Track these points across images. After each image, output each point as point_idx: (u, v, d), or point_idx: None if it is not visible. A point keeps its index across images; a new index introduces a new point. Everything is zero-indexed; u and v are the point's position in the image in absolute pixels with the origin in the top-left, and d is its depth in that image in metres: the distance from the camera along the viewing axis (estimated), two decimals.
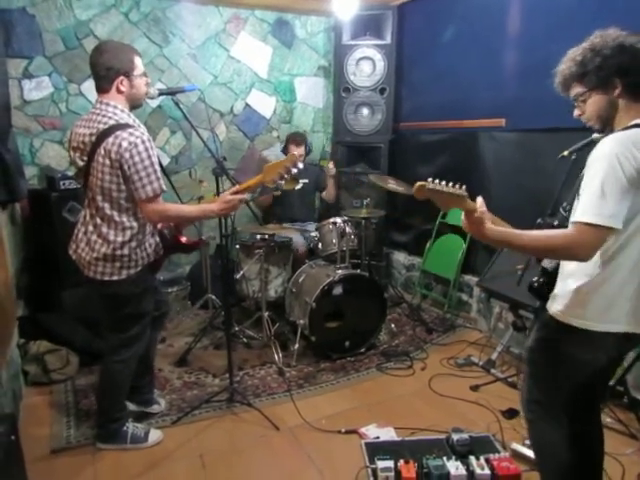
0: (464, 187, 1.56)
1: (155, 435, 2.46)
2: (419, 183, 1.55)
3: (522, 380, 1.78)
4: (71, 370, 3.02)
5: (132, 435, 2.40)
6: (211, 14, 4.25)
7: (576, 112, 1.57)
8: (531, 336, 1.74)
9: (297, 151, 4.00)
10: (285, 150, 4.13)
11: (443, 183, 1.55)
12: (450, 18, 3.91)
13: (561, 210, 1.66)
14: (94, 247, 2.11)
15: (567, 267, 1.58)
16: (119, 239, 2.10)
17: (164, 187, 2.07)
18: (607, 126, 1.52)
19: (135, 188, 2.01)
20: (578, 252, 1.36)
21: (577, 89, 1.52)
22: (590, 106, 1.51)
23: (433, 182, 1.55)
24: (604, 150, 1.37)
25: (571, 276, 1.54)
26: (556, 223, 1.68)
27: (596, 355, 1.53)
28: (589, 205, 1.34)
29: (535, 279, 1.74)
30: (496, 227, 1.51)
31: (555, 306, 1.58)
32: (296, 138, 4.12)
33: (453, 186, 1.56)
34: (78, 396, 2.83)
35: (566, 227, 1.46)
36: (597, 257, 1.43)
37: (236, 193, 2.16)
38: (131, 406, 2.57)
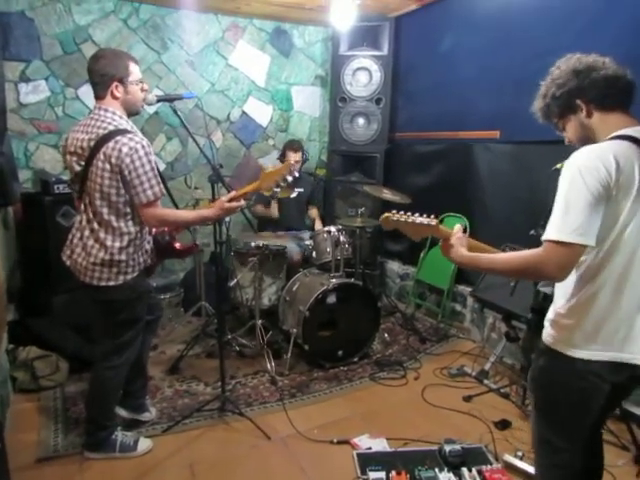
0: (432, 216, 1.62)
1: (145, 444, 2.43)
2: (384, 215, 1.66)
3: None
4: (61, 377, 2.98)
5: (121, 444, 2.36)
6: (210, 22, 4.27)
7: (566, 140, 1.58)
8: (532, 364, 1.63)
9: (294, 157, 4.03)
10: (282, 157, 4.13)
11: (409, 214, 1.62)
12: (446, 31, 3.95)
13: (539, 229, 1.66)
14: (91, 252, 2.10)
15: (556, 290, 1.51)
16: (117, 244, 2.09)
17: (164, 192, 2.09)
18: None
19: (136, 193, 2.01)
20: (547, 271, 1.31)
21: (553, 120, 1.55)
22: (568, 132, 1.53)
23: (398, 213, 1.64)
24: (570, 164, 1.33)
25: (558, 298, 1.48)
26: (531, 232, 1.68)
27: (592, 383, 1.40)
28: (554, 222, 1.31)
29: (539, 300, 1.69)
30: (467, 252, 1.55)
31: (545, 332, 1.51)
32: (293, 145, 4.13)
33: (421, 215, 1.62)
34: (67, 403, 2.79)
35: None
36: (578, 277, 1.39)
37: (232, 199, 2.16)
38: (123, 412, 2.55)
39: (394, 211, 1.66)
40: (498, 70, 3.49)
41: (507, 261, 1.41)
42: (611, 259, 1.35)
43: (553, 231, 1.30)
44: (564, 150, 2.07)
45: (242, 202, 2.20)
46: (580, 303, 1.40)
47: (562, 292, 1.46)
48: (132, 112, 2.18)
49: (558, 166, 2.30)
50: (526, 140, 3.30)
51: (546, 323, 1.52)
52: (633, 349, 1.37)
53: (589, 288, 1.38)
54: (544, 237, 1.32)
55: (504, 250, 3.12)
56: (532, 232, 2.70)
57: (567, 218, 1.28)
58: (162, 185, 2.08)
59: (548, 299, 1.61)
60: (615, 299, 1.37)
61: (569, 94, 1.45)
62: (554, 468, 1.55)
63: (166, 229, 2.39)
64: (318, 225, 4.31)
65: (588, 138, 1.46)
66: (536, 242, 1.65)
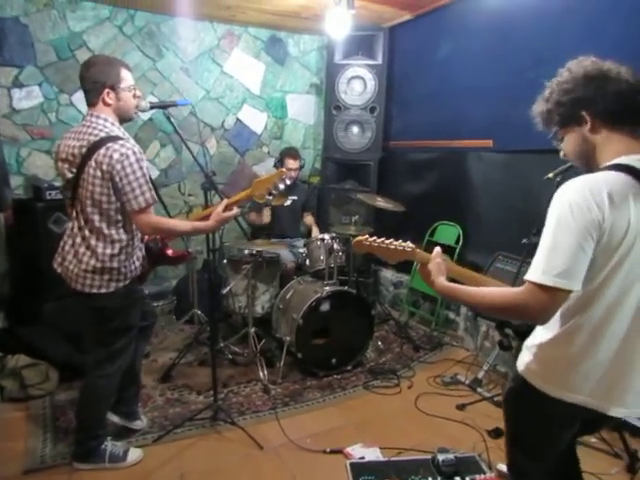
0: (408, 242, 1.57)
1: (135, 454, 2.40)
2: (357, 238, 1.60)
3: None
4: (50, 385, 2.94)
5: (111, 454, 2.33)
6: (205, 30, 4.28)
7: (561, 154, 1.45)
8: (507, 385, 1.60)
9: (294, 164, 4.06)
10: (280, 164, 4.13)
11: (383, 239, 1.57)
12: (440, 40, 3.98)
13: (531, 236, 1.61)
14: (82, 259, 2.08)
15: None
16: (108, 252, 2.08)
17: (156, 199, 2.07)
18: (590, 164, 1.35)
19: (127, 199, 2.00)
20: (529, 314, 1.23)
21: (553, 128, 1.40)
22: (566, 145, 1.39)
23: (371, 238, 1.58)
24: (560, 198, 1.21)
25: (540, 329, 1.40)
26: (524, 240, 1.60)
27: (559, 419, 1.39)
28: (538, 262, 1.21)
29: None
30: (445, 282, 1.45)
31: (522, 358, 1.44)
32: (292, 152, 4.16)
33: (396, 240, 1.58)
34: (56, 412, 2.75)
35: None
36: (559, 313, 1.28)
37: (227, 207, 2.16)
38: (115, 418, 2.51)
39: (366, 236, 1.60)
40: (491, 79, 3.51)
41: (487, 299, 1.31)
42: (594, 302, 1.26)
43: (537, 273, 1.20)
44: (556, 159, 2.09)
45: (235, 210, 2.19)
46: (557, 339, 1.33)
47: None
48: (125, 119, 2.17)
49: (550, 175, 2.32)
50: (519, 149, 3.32)
51: (523, 349, 1.45)
52: (603, 398, 1.30)
53: (566, 328, 1.31)
54: (527, 277, 1.22)
55: (496, 259, 3.16)
56: (524, 240, 2.71)
57: (552, 260, 1.18)
58: (154, 192, 2.07)
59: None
60: (593, 344, 1.28)
61: (575, 103, 1.30)
62: None
63: (158, 236, 2.37)
64: (315, 231, 4.30)
65: (588, 156, 1.35)
66: (528, 250, 1.64)
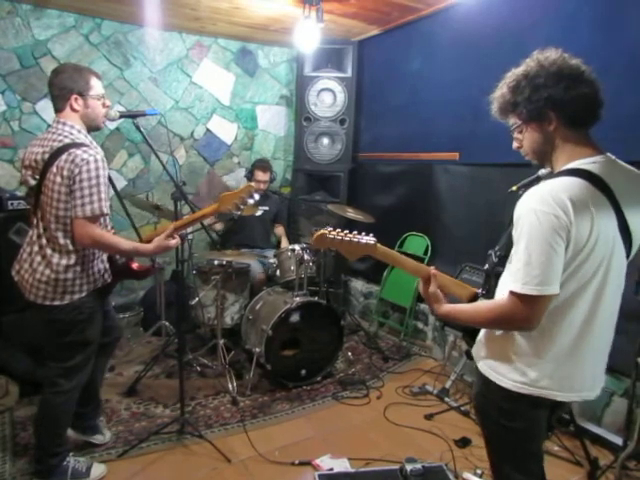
0: (371, 235, 1.55)
1: (98, 470, 2.33)
2: (319, 232, 1.55)
3: None
4: (10, 401, 2.84)
5: (73, 470, 2.26)
6: (174, 40, 4.27)
7: (514, 144, 1.45)
8: (473, 389, 1.61)
9: (263, 177, 4.09)
10: (251, 175, 4.15)
11: (346, 232, 1.55)
12: (408, 55, 4.07)
13: (492, 254, 1.57)
14: (37, 269, 2.03)
15: None
16: (63, 262, 2.02)
17: (105, 210, 1.99)
18: (545, 161, 1.40)
19: (74, 205, 1.94)
20: (515, 324, 1.29)
21: (512, 119, 1.40)
22: (525, 140, 1.39)
23: (335, 231, 1.54)
24: (526, 208, 1.25)
25: None
26: (485, 267, 1.59)
27: (523, 411, 1.40)
28: (517, 274, 1.25)
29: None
30: (446, 309, 1.46)
31: (477, 353, 1.48)
32: (262, 164, 4.18)
33: (359, 234, 1.56)
34: (16, 428, 2.66)
35: (495, 273, 1.44)
36: None
37: (183, 225, 2.16)
38: (72, 434, 2.44)
39: (330, 228, 1.56)
40: (458, 94, 3.60)
41: (481, 315, 1.36)
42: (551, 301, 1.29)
43: (518, 284, 1.24)
44: (520, 172, 2.16)
45: (176, 240, 2.15)
46: (510, 333, 1.37)
47: None
48: (92, 127, 2.15)
49: (514, 188, 2.38)
50: (484, 162, 3.41)
51: (477, 343, 1.49)
52: (554, 386, 1.34)
53: None
54: (510, 288, 1.26)
55: (463, 270, 3.22)
56: (490, 252, 2.78)
57: (530, 270, 1.22)
58: (105, 204, 1.99)
59: None
60: (547, 338, 1.32)
61: (545, 101, 1.29)
62: None
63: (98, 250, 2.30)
64: (285, 243, 4.31)
65: (546, 154, 1.38)
66: (492, 265, 1.67)
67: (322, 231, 1.54)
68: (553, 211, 1.20)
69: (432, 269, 1.53)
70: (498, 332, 1.41)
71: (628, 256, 1.36)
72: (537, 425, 1.44)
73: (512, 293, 1.26)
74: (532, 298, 1.22)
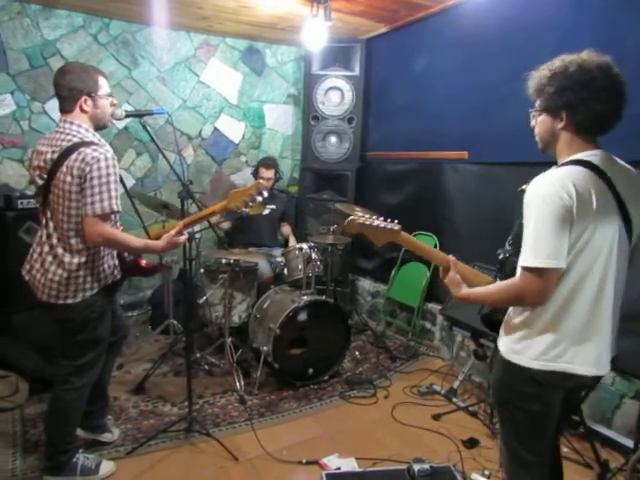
0: (396, 221, 1.69)
1: (107, 467, 2.34)
2: (349, 218, 1.68)
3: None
4: (20, 398, 2.86)
5: (82, 467, 2.27)
6: (182, 39, 4.28)
7: (532, 122, 1.57)
8: (493, 376, 1.70)
9: (267, 174, 4.06)
10: (256, 173, 4.15)
11: (374, 217, 1.67)
12: (416, 53, 4.05)
13: (507, 245, 1.66)
14: (49, 269, 2.04)
15: None
16: (75, 260, 2.03)
17: (115, 208, 1.99)
18: (548, 149, 1.54)
19: (84, 203, 1.95)
20: (528, 298, 1.39)
21: (537, 102, 1.52)
22: (538, 125, 1.53)
23: (364, 217, 1.67)
24: (533, 192, 1.38)
25: (513, 309, 1.55)
26: (500, 257, 1.67)
27: (547, 390, 1.48)
28: (527, 250, 1.36)
29: (486, 310, 1.76)
30: (465, 292, 1.59)
31: (500, 340, 1.58)
32: (267, 162, 4.17)
33: (385, 220, 1.68)
34: (26, 426, 2.68)
35: (510, 261, 1.51)
36: None
37: (191, 222, 2.17)
38: (81, 433, 2.45)
39: (359, 214, 1.71)
40: (467, 92, 3.58)
41: (492, 294, 1.49)
42: (563, 279, 1.41)
43: (529, 258, 1.35)
44: (529, 171, 2.14)
45: (185, 236, 2.16)
46: (531, 316, 1.47)
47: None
48: (99, 126, 2.15)
49: (524, 187, 2.35)
50: (493, 161, 3.39)
51: (500, 332, 1.59)
52: (575, 360, 1.44)
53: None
54: (520, 264, 1.37)
55: (499, 256, 3.20)
56: (499, 251, 2.76)
57: (539, 246, 1.33)
58: (116, 201, 1.99)
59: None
60: (564, 315, 1.43)
61: (563, 104, 1.42)
62: None
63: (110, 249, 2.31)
64: (292, 241, 4.31)
65: (550, 144, 1.52)
66: (500, 264, 1.70)
67: (352, 217, 1.66)
68: (558, 194, 1.33)
69: (451, 257, 1.68)
70: (517, 318, 1.50)
71: (630, 242, 1.47)
72: (553, 409, 1.52)
73: (524, 269, 1.37)
74: (543, 271, 1.33)
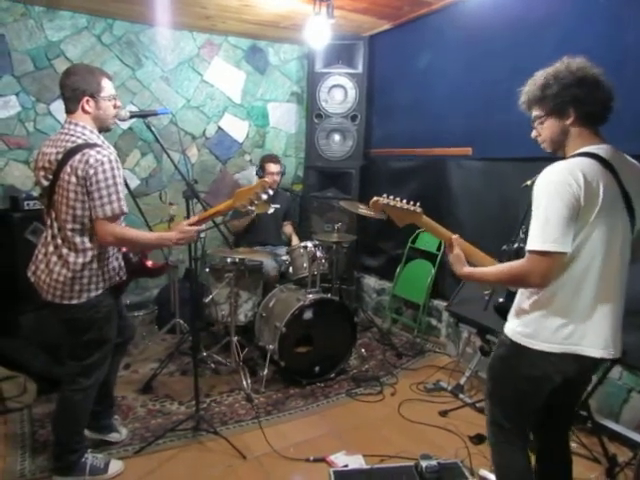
0: (418, 204, 1.82)
1: (116, 466, 2.36)
2: (374, 199, 1.83)
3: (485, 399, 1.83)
4: (28, 398, 2.88)
5: (91, 466, 2.29)
6: (185, 39, 4.28)
7: (533, 133, 1.65)
8: (492, 354, 1.80)
9: (275, 168, 4.06)
10: (261, 171, 4.12)
11: (397, 199, 1.77)
12: (419, 50, 4.04)
13: (521, 233, 1.74)
14: (53, 269, 2.05)
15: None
16: (80, 260, 2.04)
17: (125, 209, 2.03)
18: (559, 150, 1.60)
19: (94, 206, 1.97)
20: (532, 280, 1.44)
21: (536, 111, 1.60)
22: (545, 130, 1.59)
23: (387, 198, 1.83)
24: (544, 180, 1.45)
25: (522, 294, 1.62)
26: (515, 246, 1.75)
27: (547, 374, 1.56)
28: (535, 234, 1.43)
29: (501, 300, 1.81)
30: (468, 270, 1.69)
31: (508, 324, 1.65)
32: (272, 157, 4.17)
33: (408, 203, 1.82)
34: (35, 426, 2.70)
35: (525, 250, 1.55)
36: None
37: (195, 224, 2.17)
38: (88, 433, 2.47)
39: (384, 195, 1.83)
40: (471, 88, 3.57)
41: (496, 273, 1.57)
42: (572, 264, 1.48)
43: (536, 242, 1.42)
44: (533, 167, 2.14)
45: (197, 228, 2.18)
46: (541, 300, 1.54)
47: (525, 289, 1.60)
48: (103, 128, 2.16)
49: (528, 183, 2.35)
50: (497, 157, 3.38)
51: (509, 317, 1.66)
52: (583, 342, 1.50)
53: (550, 288, 1.50)
54: (528, 247, 1.44)
55: (504, 252, 3.19)
56: (504, 247, 2.76)
57: (547, 230, 1.40)
58: (124, 202, 2.02)
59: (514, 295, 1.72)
60: (572, 299, 1.50)
61: (568, 99, 1.50)
62: (502, 444, 1.75)
63: (123, 249, 2.32)
64: (295, 240, 4.30)
65: (561, 144, 1.57)
66: (508, 257, 1.71)
67: (376, 197, 1.82)
68: (567, 181, 1.40)
69: (454, 235, 1.81)
70: (527, 302, 1.57)
71: (632, 232, 1.54)
72: (544, 390, 1.61)
73: (531, 252, 1.43)
74: (549, 254, 1.40)
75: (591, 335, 1.50)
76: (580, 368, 1.56)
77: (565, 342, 1.50)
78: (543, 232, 1.40)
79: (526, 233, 1.59)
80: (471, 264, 1.74)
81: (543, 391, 1.61)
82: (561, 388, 1.60)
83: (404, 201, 1.82)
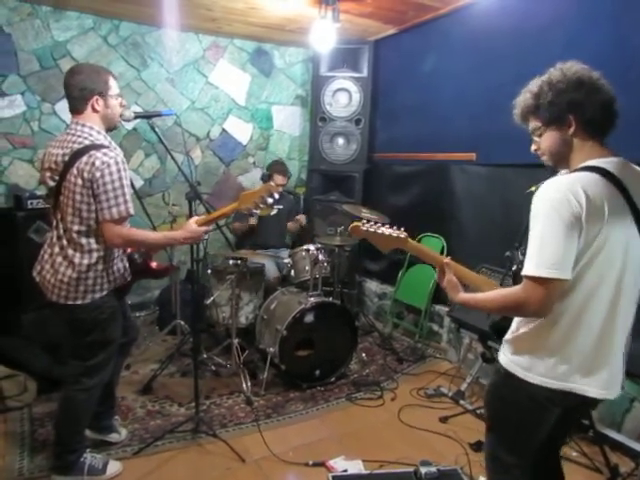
0: (402, 229, 1.67)
1: (114, 467, 2.35)
2: (354, 223, 1.67)
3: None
4: (28, 397, 2.88)
5: (90, 466, 2.28)
6: (190, 41, 4.30)
7: (533, 147, 1.50)
8: (489, 380, 1.66)
9: (283, 181, 4.12)
10: (269, 179, 4.11)
11: (379, 225, 1.66)
12: (424, 54, 4.04)
13: (519, 255, 1.63)
14: (59, 269, 2.05)
15: None
16: (85, 262, 2.04)
17: (131, 211, 2.03)
18: (561, 163, 1.45)
19: (101, 208, 1.97)
20: (528, 309, 1.30)
21: (533, 123, 1.46)
22: (544, 141, 1.44)
23: (368, 223, 1.68)
24: (541, 197, 1.30)
25: (517, 321, 1.47)
26: (514, 268, 1.63)
27: (546, 406, 1.42)
28: (531, 257, 1.29)
29: (497, 318, 1.66)
30: (463, 297, 1.55)
31: (502, 351, 1.51)
32: (281, 168, 4.19)
33: (391, 227, 1.66)
34: (34, 425, 2.70)
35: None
36: None
37: (203, 224, 2.17)
38: (88, 433, 2.46)
39: (364, 221, 1.69)
40: (474, 93, 3.57)
41: (491, 301, 1.43)
42: (572, 291, 1.33)
43: (531, 267, 1.28)
44: (538, 173, 2.13)
45: (205, 228, 2.18)
46: (538, 329, 1.39)
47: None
48: (110, 127, 2.16)
49: (532, 189, 2.34)
50: (501, 163, 3.37)
51: (504, 341, 1.52)
52: (583, 381, 1.36)
53: (550, 315, 1.34)
54: (523, 272, 1.30)
55: (479, 272, 3.19)
56: (507, 253, 2.74)
57: (543, 254, 1.26)
58: (131, 204, 2.03)
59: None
60: (572, 331, 1.35)
61: (567, 105, 1.36)
62: None
63: (130, 249, 2.32)
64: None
65: (563, 156, 1.42)
66: (510, 262, 1.69)
67: (356, 223, 1.66)
68: (567, 199, 1.25)
69: (445, 259, 1.65)
70: (524, 330, 1.43)
71: None
72: (546, 424, 1.46)
73: (526, 277, 1.29)
74: (545, 281, 1.25)
75: (592, 374, 1.36)
76: (581, 402, 1.41)
77: (562, 378, 1.36)
78: (539, 256, 1.26)
79: (525, 254, 1.45)
80: (466, 287, 1.60)
81: (542, 422, 1.46)
82: (563, 417, 1.46)
83: (386, 226, 1.67)
